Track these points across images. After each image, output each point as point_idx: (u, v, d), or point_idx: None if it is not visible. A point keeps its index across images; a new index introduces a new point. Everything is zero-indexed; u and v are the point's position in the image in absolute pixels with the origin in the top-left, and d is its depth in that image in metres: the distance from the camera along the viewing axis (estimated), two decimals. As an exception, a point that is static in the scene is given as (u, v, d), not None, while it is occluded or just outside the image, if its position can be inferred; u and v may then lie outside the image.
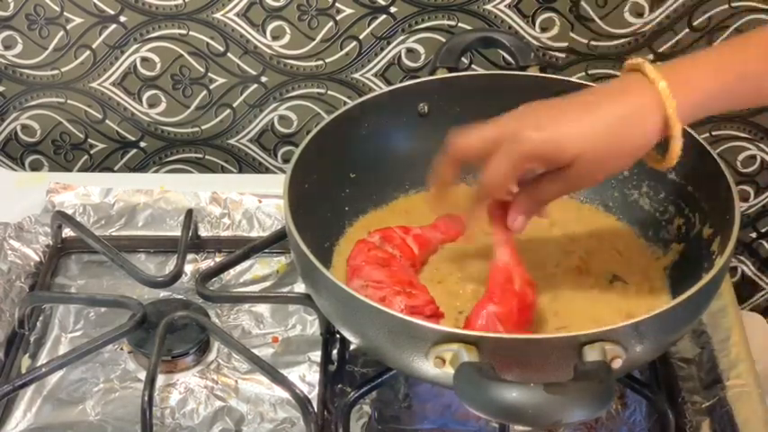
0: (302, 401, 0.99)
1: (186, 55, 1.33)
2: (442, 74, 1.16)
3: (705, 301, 0.93)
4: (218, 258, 1.20)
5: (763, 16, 1.28)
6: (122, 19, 1.30)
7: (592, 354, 0.82)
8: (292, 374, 1.05)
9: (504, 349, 0.84)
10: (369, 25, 1.30)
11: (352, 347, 1.07)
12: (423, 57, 1.32)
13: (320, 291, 0.95)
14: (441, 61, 1.17)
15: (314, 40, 1.31)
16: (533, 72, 1.15)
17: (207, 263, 1.19)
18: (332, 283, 0.90)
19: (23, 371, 1.06)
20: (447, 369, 0.83)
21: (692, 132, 1.05)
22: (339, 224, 1.10)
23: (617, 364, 0.83)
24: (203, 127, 1.39)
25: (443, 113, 1.15)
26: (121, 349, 1.08)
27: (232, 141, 1.40)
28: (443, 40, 1.30)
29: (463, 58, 1.24)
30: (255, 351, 1.04)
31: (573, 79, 1.18)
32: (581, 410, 0.78)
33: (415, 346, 0.86)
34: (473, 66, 1.32)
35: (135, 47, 1.32)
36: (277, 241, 1.15)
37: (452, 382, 0.81)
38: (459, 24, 1.29)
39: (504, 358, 0.83)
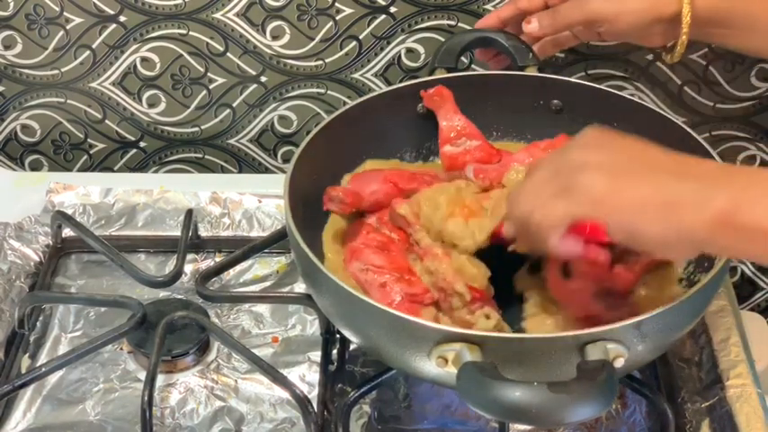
0: (302, 401, 0.99)
1: (186, 55, 1.33)
2: (440, 74, 1.16)
3: (706, 300, 0.93)
4: (218, 258, 1.20)
5: (762, 16, 1.28)
6: (122, 19, 1.30)
7: (594, 353, 0.82)
8: (292, 374, 1.05)
9: (506, 348, 0.84)
10: (368, 25, 1.30)
11: (352, 347, 1.07)
12: (423, 57, 1.32)
13: (321, 290, 0.95)
14: (439, 62, 1.17)
15: (314, 39, 1.31)
16: (531, 72, 1.15)
17: (207, 263, 1.19)
18: (333, 283, 0.90)
19: (23, 371, 1.06)
20: (449, 369, 0.83)
21: (692, 132, 1.06)
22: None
23: (619, 363, 0.83)
24: (203, 127, 1.39)
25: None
26: (121, 349, 1.08)
27: (232, 141, 1.40)
28: (443, 40, 1.30)
29: (462, 58, 1.24)
30: (255, 351, 1.04)
31: (572, 79, 1.17)
32: (585, 409, 0.78)
33: (417, 346, 0.86)
34: (473, 66, 1.32)
35: (135, 47, 1.32)
36: (277, 241, 1.15)
37: (455, 381, 0.81)
38: (459, 24, 1.29)
39: (506, 357, 0.83)
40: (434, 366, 0.84)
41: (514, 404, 0.78)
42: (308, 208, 1.03)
